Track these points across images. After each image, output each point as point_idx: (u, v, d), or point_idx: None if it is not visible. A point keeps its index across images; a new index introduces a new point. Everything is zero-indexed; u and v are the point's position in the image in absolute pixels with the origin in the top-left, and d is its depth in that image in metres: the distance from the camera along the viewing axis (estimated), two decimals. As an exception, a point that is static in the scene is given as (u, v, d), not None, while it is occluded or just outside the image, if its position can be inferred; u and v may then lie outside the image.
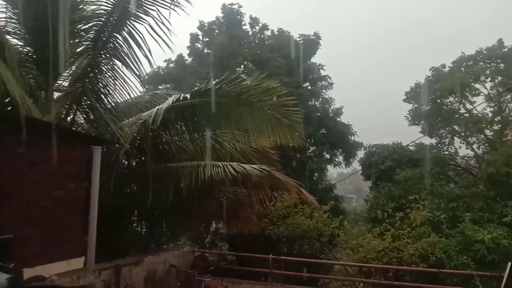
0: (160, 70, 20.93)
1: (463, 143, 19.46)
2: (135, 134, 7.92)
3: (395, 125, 26.16)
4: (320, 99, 19.67)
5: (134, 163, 8.88)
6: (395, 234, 10.05)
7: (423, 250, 9.34)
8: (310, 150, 18.69)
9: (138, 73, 7.78)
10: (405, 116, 21.43)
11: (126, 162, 8.64)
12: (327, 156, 19.43)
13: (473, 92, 19.04)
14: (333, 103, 19.60)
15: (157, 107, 8.47)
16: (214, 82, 8.21)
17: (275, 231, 10.75)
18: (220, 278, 8.65)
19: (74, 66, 7.80)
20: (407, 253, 9.37)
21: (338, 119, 19.46)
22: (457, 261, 9.58)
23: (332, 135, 18.86)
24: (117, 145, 7.99)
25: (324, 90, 19.84)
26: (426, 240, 9.72)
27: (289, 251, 10.84)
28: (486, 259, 9.56)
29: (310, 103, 18.76)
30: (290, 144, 9.09)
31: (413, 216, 10.59)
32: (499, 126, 18.50)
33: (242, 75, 17.77)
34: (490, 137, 18.65)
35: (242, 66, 19.19)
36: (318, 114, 18.90)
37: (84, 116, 7.94)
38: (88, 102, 7.53)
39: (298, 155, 17.45)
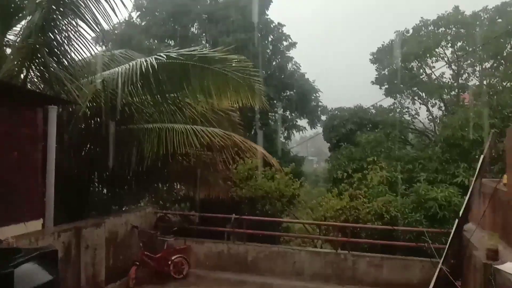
0: (115, 30, 20.04)
1: (422, 106, 20.09)
2: (94, 95, 7.69)
3: (360, 87, 26.55)
4: (284, 59, 19.53)
5: (93, 124, 8.64)
6: (352, 193, 10.48)
7: (379, 208, 9.81)
8: (273, 113, 18.78)
9: (96, 31, 7.44)
10: (372, 81, 21.68)
11: (84, 124, 8.40)
12: (290, 118, 19.62)
13: (434, 57, 19.51)
14: (297, 65, 19.57)
15: (117, 68, 8.21)
16: (172, 45, 8.02)
17: (238, 193, 10.95)
18: (183, 238, 8.79)
19: (26, 20, 7.34)
20: (363, 212, 9.83)
21: (302, 82, 19.51)
22: (411, 218, 10.15)
23: (296, 97, 18.97)
24: (74, 106, 7.75)
25: (287, 50, 19.69)
26: (382, 199, 10.19)
27: (251, 212, 11.09)
28: (437, 216, 10.18)
29: (273, 64, 18.64)
30: (253, 106, 9.13)
31: (370, 177, 11.02)
32: (457, 90, 19.18)
33: (194, 34, 17.37)
34: (448, 101, 19.35)
35: (196, 23, 18.60)
36: (282, 76, 18.85)
37: (38, 74, 7.56)
38: (43, 59, 7.15)
39: (261, 117, 17.52)
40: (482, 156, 7.11)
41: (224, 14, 17.79)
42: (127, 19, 20.12)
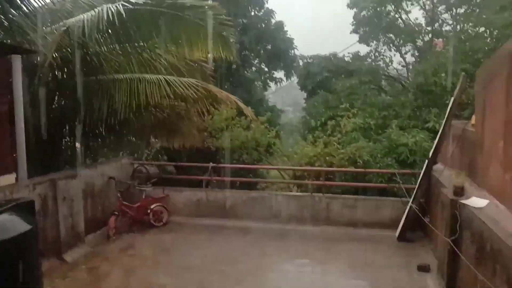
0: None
1: (394, 54, 20.07)
2: (60, 43, 7.34)
3: (337, 33, 26.10)
4: (262, 8, 18.95)
5: (62, 76, 8.33)
6: (327, 140, 10.66)
7: (352, 154, 10.07)
8: (249, 64, 18.48)
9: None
10: (351, 30, 21.22)
11: (51, 75, 8.08)
12: (266, 69, 19.35)
13: (410, 1, 19.23)
14: (274, 14, 19.03)
15: (83, 15, 7.80)
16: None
17: (214, 143, 10.98)
18: (161, 188, 8.86)
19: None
20: (337, 158, 10.08)
21: (279, 32, 19.07)
22: (382, 163, 10.49)
23: (272, 48, 18.63)
24: (39, 56, 7.40)
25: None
26: (355, 145, 10.43)
27: (228, 162, 11.20)
28: (408, 160, 10.54)
29: (250, 14, 18.07)
30: (226, 57, 8.93)
31: (344, 123, 11.20)
32: (430, 36, 19.18)
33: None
34: (421, 47, 19.37)
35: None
36: (259, 26, 18.36)
37: (-4, 23, 7.11)
38: (1, 6, 6.71)
39: (237, 68, 17.23)
40: (452, 99, 7.27)
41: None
42: None
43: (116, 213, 7.76)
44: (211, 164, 9.12)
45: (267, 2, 19.06)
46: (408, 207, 7.65)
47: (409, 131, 11.60)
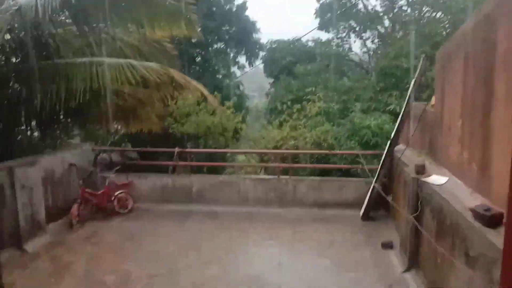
0: None
1: (358, 38, 20.38)
2: (11, 25, 6.93)
3: (299, 19, 26.23)
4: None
5: (15, 59, 7.90)
6: (292, 124, 10.74)
7: (317, 137, 10.19)
8: (214, 48, 18.24)
9: None
10: (314, 16, 21.31)
11: (4, 58, 7.65)
12: (231, 54, 19.19)
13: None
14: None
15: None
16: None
17: (179, 129, 10.81)
18: (125, 174, 8.65)
19: None
20: (303, 141, 10.17)
21: (243, 15, 18.89)
22: (346, 146, 10.67)
23: (236, 31, 18.45)
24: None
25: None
26: (320, 128, 10.56)
27: (195, 148, 11.08)
28: (370, 142, 10.77)
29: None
30: (189, 38, 8.73)
31: (309, 107, 11.30)
32: (390, 23, 19.59)
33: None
34: (381, 33, 19.77)
35: None
36: (222, 8, 18.10)
37: None
38: None
39: (202, 52, 16.98)
40: (413, 81, 7.46)
41: None
42: None
43: (79, 200, 7.53)
44: (176, 149, 8.97)
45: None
46: (371, 187, 7.86)
47: (372, 114, 11.86)
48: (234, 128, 11.53)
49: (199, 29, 8.92)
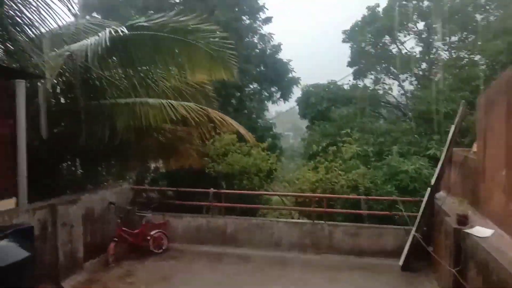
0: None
1: (395, 81, 20.33)
2: (63, 68, 7.41)
3: (334, 65, 26.58)
4: (259, 34, 19.31)
5: (65, 100, 8.37)
6: (328, 166, 10.66)
7: (353, 180, 10.04)
8: (249, 88, 18.66)
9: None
10: (347, 61, 21.63)
11: (54, 99, 8.12)
12: (266, 94, 19.54)
13: (406, 32, 19.69)
14: (272, 39, 19.37)
15: (86, 40, 7.90)
16: (149, 17, 7.76)
17: (215, 169, 10.95)
18: (161, 213, 8.77)
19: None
20: (338, 184, 10.03)
21: (276, 56, 19.38)
22: (383, 190, 10.44)
23: (270, 72, 18.86)
24: (43, 80, 7.46)
25: (263, 25, 19.45)
26: (356, 171, 10.41)
27: (229, 187, 11.14)
28: (408, 187, 10.50)
29: (248, 39, 18.38)
30: (227, 80, 9.02)
31: (345, 150, 11.21)
32: (427, 64, 19.49)
33: (180, 6, 16.97)
34: (419, 75, 19.66)
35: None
36: (257, 50, 18.66)
37: (2, 47, 7.20)
38: (6, 31, 6.79)
39: (238, 93, 17.39)
40: (453, 126, 7.31)
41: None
42: None
43: (116, 239, 7.65)
44: (212, 190, 9.05)
45: (266, 26, 19.47)
46: (411, 236, 7.56)
47: (409, 158, 11.62)
48: (268, 168, 11.56)
49: (237, 70, 9.19)
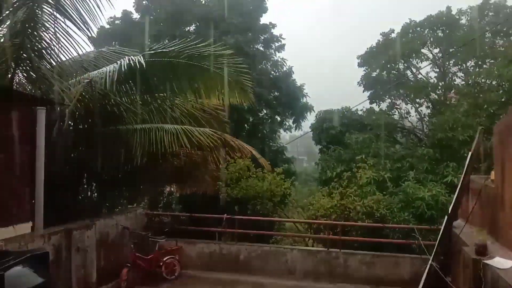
0: (107, 27, 19.84)
1: (410, 107, 20.26)
2: (82, 95, 7.61)
3: (348, 90, 26.69)
4: (272, 60, 19.59)
5: (82, 125, 8.55)
6: (343, 192, 10.54)
7: (369, 207, 9.89)
8: (262, 113, 18.80)
9: (84, 28, 7.33)
10: (358, 82, 21.75)
11: (72, 124, 8.30)
12: (279, 118, 19.66)
13: (421, 58, 19.74)
14: (285, 64, 19.62)
15: (106, 67, 8.13)
16: (166, 44, 8.00)
17: (229, 193, 10.94)
18: (174, 239, 8.74)
19: (9, 20, 7.22)
20: (354, 210, 9.90)
21: (290, 81, 19.57)
22: (399, 217, 10.26)
23: (283, 97, 19.03)
24: (62, 106, 7.65)
25: (276, 52, 19.76)
26: (372, 198, 10.27)
27: (242, 212, 11.09)
28: (425, 215, 10.31)
29: (261, 66, 18.64)
30: (242, 105, 9.15)
31: (360, 175, 11.11)
32: (443, 90, 19.42)
33: (193, 34, 17.40)
34: (434, 101, 19.57)
35: (193, 24, 18.64)
36: (271, 76, 18.89)
37: (25, 75, 7.44)
38: (29, 59, 7.05)
39: (251, 118, 17.53)
40: (470, 153, 7.20)
41: (219, 15, 17.84)
42: (122, 14, 20.05)
43: (129, 264, 7.63)
44: (225, 216, 9.03)
45: (280, 53, 19.76)
46: (428, 265, 7.36)
47: (426, 184, 11.44)
48: (282, 193, 11.50)
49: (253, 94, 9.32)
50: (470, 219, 6.99)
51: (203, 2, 19.71)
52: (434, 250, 7.38)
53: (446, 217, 7.50)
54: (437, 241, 7.43)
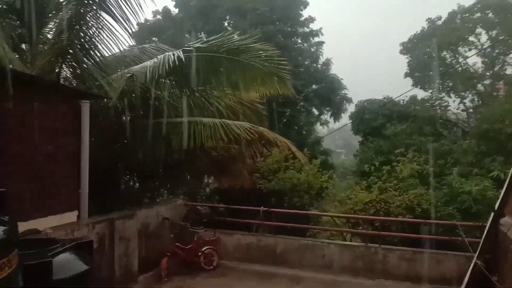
0: (148, 23, 20.34)
1: (456, 97, 19.45)
2: (125, 89, 7.83)
3: (391, 77, 25.98)
4: (310, 53, 19.36)
5: (124, 118, 8.82)
6: (382, 186, 10.30)
7: (409, 201, 9.59)
8: (299, 106, 18.66)
9: (125, 25, 7.52)
10: (405, 73, 21.08)
11: (115, 118, 8.58)
12: (316, 112, 19.46)
13: (467, 46, 18.87)
14: (322, 56, 19.36)
15: (147, 62, 8.33)
16: (204, 39, 8.10)
17: (266, 186, 10.95)
18: (212, 230, 8.88)
19: (58, 18, 7.53)
20: (394, 205, 9.64)
21: (328, 74, 19.29)
22: (443, 212, 9.89)
23: (322, 89, 18.80)
24: (106, 100, 7.92)
25: (315, 45, 19.52)
26: (413, 192, 9.96)
27: (279, 204, 11.07)
28: (471, 209, 9.86)
29: (300, 58, 18.46)
30: (280, 98, 9.14)
31: (400, 169, 10.80)
32: (491, 80, 18.51)
33: (228, 27, 17.49)
34: (481, 92, 18.70)
35: (227, 17, 18.75)
36: (310, 69, 18.70)
37: (71, 70, 7.76)
38: (74, 55, 7.33)
39: (288, 110, 17.43)
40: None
41: (253, 7, 17.83)
42: (161, 10, 20.54)
43: (169, 254, 7.82)
44: (262, 208, 9.05)
45: (320, 47, 19.45)
46: (472, 263, 7.07)
47: (472, 179, 10.96)
48: (320, 186, 11.37)
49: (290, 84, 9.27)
50: (519, 217, 6.64)
51: None
52: (479, 247, 7.08)
53: (492, 213, 7.17)
54: (483, 239, 7.12)
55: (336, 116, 20.07)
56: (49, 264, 3.65)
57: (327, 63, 19.62)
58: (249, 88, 9.02)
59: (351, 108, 19.59)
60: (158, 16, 20.77)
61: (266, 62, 8.46)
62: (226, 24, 18.93)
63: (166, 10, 20.64)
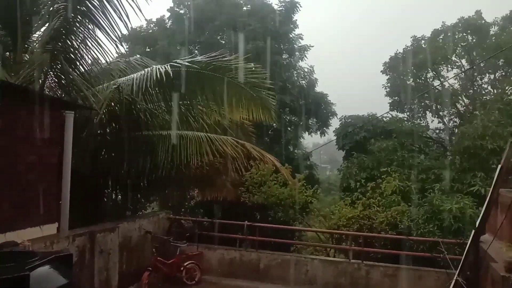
0: (141, 30, 20.33)
1: (435, 117, 19.85)
2: (109, 101, 7.78)
3: (372, 96, 26.42)
4: (298, 68, 19.59)
5: (108, 130, 8.74)
6: (366, 202, 10.38)
7: (392, 218, 9.70)
8: (286, 120, 18.78)
9: (113, 37, 7.49)
10: (383, 85, 21.44)
11: (100, 129, 8.49)
12: (303, 126, 19.64)
13: (451, 64, 19.34)
14: (309, 71, 19.60)
15: (133, 75, 8.30)
16: (197, 53, 8.13)
17: (250, 199, 10.93)
18: (195, 244, 8.79)
19: (44, 28, 7.47)
20: (377, 221, 9.72)
21: (314, 89, 19.54)
22: (424, 229, 9.99)
23: (308, 104, 18.99)
24: (91, 111, 7.84)
25: (301, 60, 19.79)
26: (396, 208, 10.06)
27: (264, 218, 11.06)
28: (452, 227, 9.98)
29: (287, 73, 18.65)
30: (262, 120, 9.24)
31: (384, 186, 10.92)
32: (470, 100, 18.98)
33: (220, 40, 17.57)
34: (461, 110, 19.12)
35: (220, 33, 18.88)
36: (296, 84, 18.90)
37: (56, 80, 7.67)
38: (60, 65, 7.26)
39: (274, 124, 17.50)
40: (499, 166, 6.98)
41: (245, 22, 18.02)
42: (155, 20, 20.57)
43: (150, 268, 7.69)
44: (246, 223, 9.02)
45: (305, 61, 19.76)
46: (454, 280, 7.14)
47: (453, 195, 11.11)
48: (304, 201, 11.39)
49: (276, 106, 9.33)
50: (499, 234, 6.75)
51: (230, 9, 19.89)
52: (460, 264, 7.16)
53: (473, 231, 7.27)
54: (464, 256, 7.20)
55: (322, 131, 20.27)
56: (26, 278, 3.54)
57: (314, 79, 19.89)
58: (234, 108, 9.04)
59: (335, 124, 19.84)
60: (152, 25, 20.82)
61: (252, 83, 8.52)
62: (219, 38, 19.04)
63: (160, 21, 20.70)
